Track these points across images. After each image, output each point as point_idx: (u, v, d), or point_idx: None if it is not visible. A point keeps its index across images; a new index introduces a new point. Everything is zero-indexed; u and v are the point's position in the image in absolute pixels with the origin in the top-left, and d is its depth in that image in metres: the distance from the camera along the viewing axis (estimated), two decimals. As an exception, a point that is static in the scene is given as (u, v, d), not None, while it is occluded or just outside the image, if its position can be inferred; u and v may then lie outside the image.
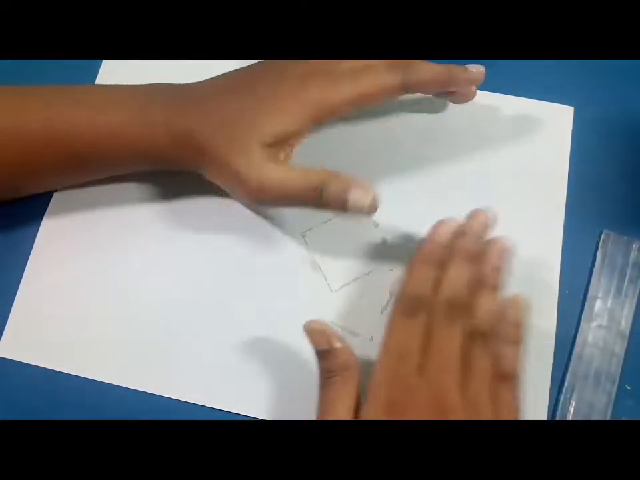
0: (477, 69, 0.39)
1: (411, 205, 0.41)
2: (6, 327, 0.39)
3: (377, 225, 0.41)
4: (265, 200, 0.36)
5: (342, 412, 0.32)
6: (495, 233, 0.37)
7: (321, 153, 0.40)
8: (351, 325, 0.39)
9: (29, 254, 0.41)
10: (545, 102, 0.43)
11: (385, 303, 0.39)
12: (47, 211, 0.42)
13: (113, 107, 0.37)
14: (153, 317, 0.39)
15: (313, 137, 0.38)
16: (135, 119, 0.36)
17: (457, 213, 0.38)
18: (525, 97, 0.44)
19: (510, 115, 0.43)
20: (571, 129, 0.43)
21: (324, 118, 0.36)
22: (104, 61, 0.45)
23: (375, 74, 0.36)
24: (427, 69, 0.38)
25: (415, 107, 0.43)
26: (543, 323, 0.38)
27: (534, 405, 0.36)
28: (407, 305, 0.34)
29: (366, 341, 0.38)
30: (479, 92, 0.42)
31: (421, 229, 0.40)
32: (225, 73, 0.38)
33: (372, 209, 0.34)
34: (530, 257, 0.39)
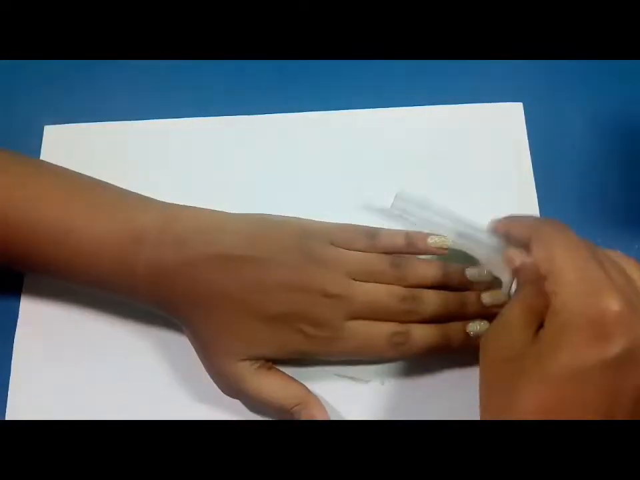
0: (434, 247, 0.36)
1: None
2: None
3: None
4: (236, 398, 0.36)
5: None
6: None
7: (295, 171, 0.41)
8: (359, 373, 0.37)
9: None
10: (492, 104, 0.43)
11: None
12: (23, 286, 0.39)
13: (96, 250, 0.33)
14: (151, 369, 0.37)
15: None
16: (119, 269, 0.33)
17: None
18: (474, 102, 0.43)
19: (463, 124, 0.42)
20: (524, 124, 0.42)
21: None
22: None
23: None
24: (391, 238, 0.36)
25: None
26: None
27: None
28: None
29: (378, 386, 0.37)
30: (425, 107, 0.42)
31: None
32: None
33: None
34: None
